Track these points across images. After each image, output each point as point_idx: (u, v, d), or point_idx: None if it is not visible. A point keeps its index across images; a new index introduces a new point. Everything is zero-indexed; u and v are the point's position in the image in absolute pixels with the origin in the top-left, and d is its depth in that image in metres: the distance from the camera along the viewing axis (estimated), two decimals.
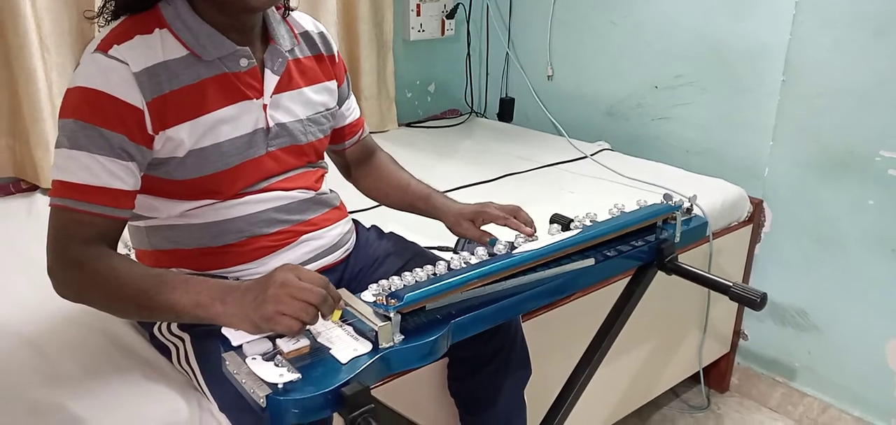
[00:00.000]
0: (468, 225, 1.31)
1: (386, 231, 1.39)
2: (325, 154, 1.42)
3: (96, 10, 1.10)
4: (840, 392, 1.98)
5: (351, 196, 1.43)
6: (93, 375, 1.10)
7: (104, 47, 1.00)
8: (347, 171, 1.47)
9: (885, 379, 1.88)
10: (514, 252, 1.05)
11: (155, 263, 1.16)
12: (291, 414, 0.78)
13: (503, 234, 1.23)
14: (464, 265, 1.00)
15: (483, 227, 1.30)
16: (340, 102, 1.33)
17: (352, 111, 1.39)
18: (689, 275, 1.22)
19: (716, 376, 2.19)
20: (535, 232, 1.20)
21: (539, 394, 1.34)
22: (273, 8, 1.17)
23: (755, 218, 2.02)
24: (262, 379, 0.79)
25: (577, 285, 1.10)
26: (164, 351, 1.14)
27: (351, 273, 1.27)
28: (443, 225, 1.35)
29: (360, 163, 1.45)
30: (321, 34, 1.28)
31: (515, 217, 1.25)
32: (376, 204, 1.48)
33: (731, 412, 2.11)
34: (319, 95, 1.24)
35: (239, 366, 0.83)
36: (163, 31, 1.05)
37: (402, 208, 1.43)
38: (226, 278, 1.12)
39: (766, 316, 2.09)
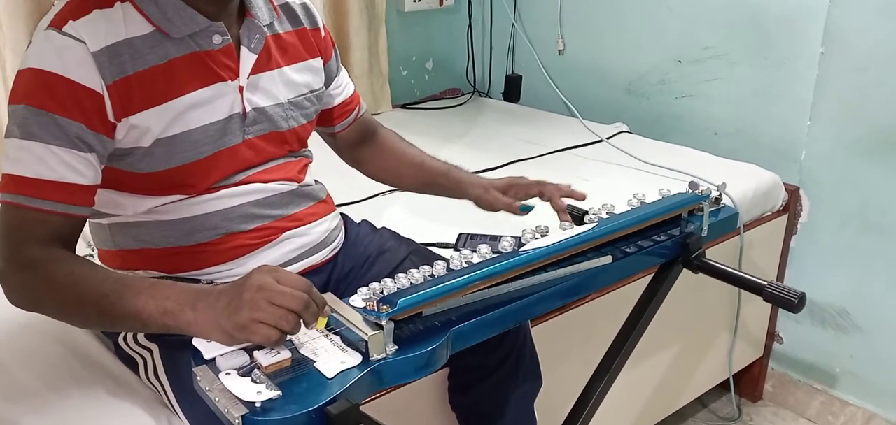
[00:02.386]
0: (496, 194, 1.33)
1: (379, 226, 1.38)
2: (322, 139, 1.42)
3: None
4: (886, 400, 1.97)
5: (339, 188, 1.41)
6: (52, 389, 1.10)
7: (58, 23, 0.99)
8: (350, 156, 1.46)
9: None
10: (521, 249, 1.03)
11: (121, 265, 1.15)
12: None
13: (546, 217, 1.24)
14: (465, 265, 0.98)
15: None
16: (329, 80, 1.32)
17: (343, 88, 1.38)
18: (717, 273, 1.21)
19: (748, 383, 2.18)
20: (586, 196, 1.27)
21: (551, 408, 1.34)
22: None
23: (791, 207, 2.01)
24: (238, 398, 0.79)
25: (592, 286, 1.09)
26: (131, 363, 1.13)
27: (339, 274, 1.26)
28: (444, 219, 1.34)
29: (361, 144, 1.45)
30: (303, 5, 1.27)
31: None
32: (372, 193, 1.47)
33: (765, 423, 2.11)
34: (302, 75, 1.22)
35: (212, 382, 0.82)
36: (125, 4, 1.04)
37: (417, 189, 1.44)
38: (198, 281, 1.11)
39: (804, 316, 2.07)
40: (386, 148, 1.45)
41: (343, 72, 1.38)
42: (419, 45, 2.72)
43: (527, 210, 1.33)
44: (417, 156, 1.44)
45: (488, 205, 1.36)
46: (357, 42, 2.44)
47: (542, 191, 1.32)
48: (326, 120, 1.37)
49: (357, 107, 1.41)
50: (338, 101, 1.37)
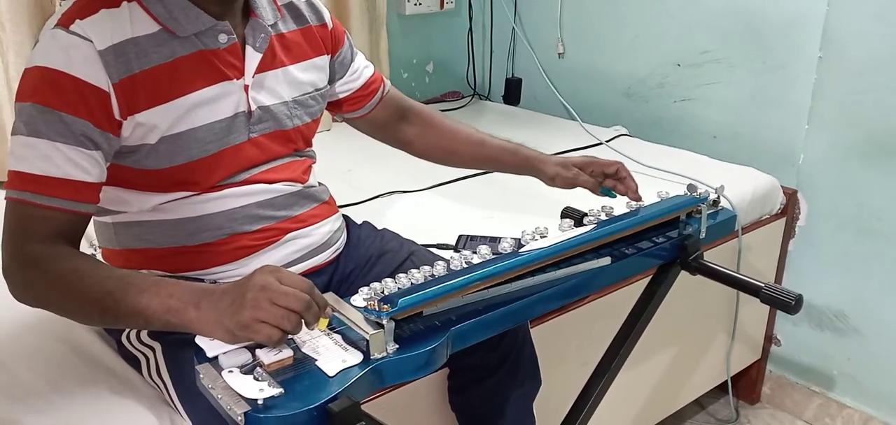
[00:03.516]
0: (577, 171, 1.34)
1: (380, 227, 1.38)
2: (359, 130, 1.43)
3: None
4: (883, 402, 1.97)
5: (341, 190, 1.42)
6: (54, 388, 1.09)
7: (65, 22, 1.00)
8: (392, 137, 1.46)
9: None
10: (521, 250, 1.04)
11: (124, 264, 1.15)
12: None
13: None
14: (465, 265, 0.99)
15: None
16: (345, 68, 1.33)
17: (362, 70, 1.38)
18: (715, 275, 1.21)
19: (745, 386, 2.18)
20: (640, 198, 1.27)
21: (550, 408, 1.34)
22: None
23: (789, 210, 2.01)
24: (240, 395, 0.79)
25: (591, 287, 1.09)
26: (134, 361, 1.13)
27: (341, 275, 1.27)
28: (444, 221, 1.34)
29: (399, 123, 1.45)
30: (308, 2, 1.27)
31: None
32: (373, 195, 1.47)
33: None
34: (307, 74, 1.23)
35: (214, 380, 0.82)
36: (132, 3, 1.04)
37: (474, 166, 1.46)
38: (202, 281, 1.12)
39: (802, 319, 2.08)
40: (435, 125, 1.45)
41: (359, 55, 1.38)
42: (420, 48, 2.72)
43: (607, 194, 1.34)
44: (474, 133, 1.44)
45: (568, 183, 1.36)
46: (358, 44, 2.39)
47: (619, 169, 1.33)
48: (353, 104, 1.38)
49: (381, 86, 1.41)
50: (359, 83, 1.37)
